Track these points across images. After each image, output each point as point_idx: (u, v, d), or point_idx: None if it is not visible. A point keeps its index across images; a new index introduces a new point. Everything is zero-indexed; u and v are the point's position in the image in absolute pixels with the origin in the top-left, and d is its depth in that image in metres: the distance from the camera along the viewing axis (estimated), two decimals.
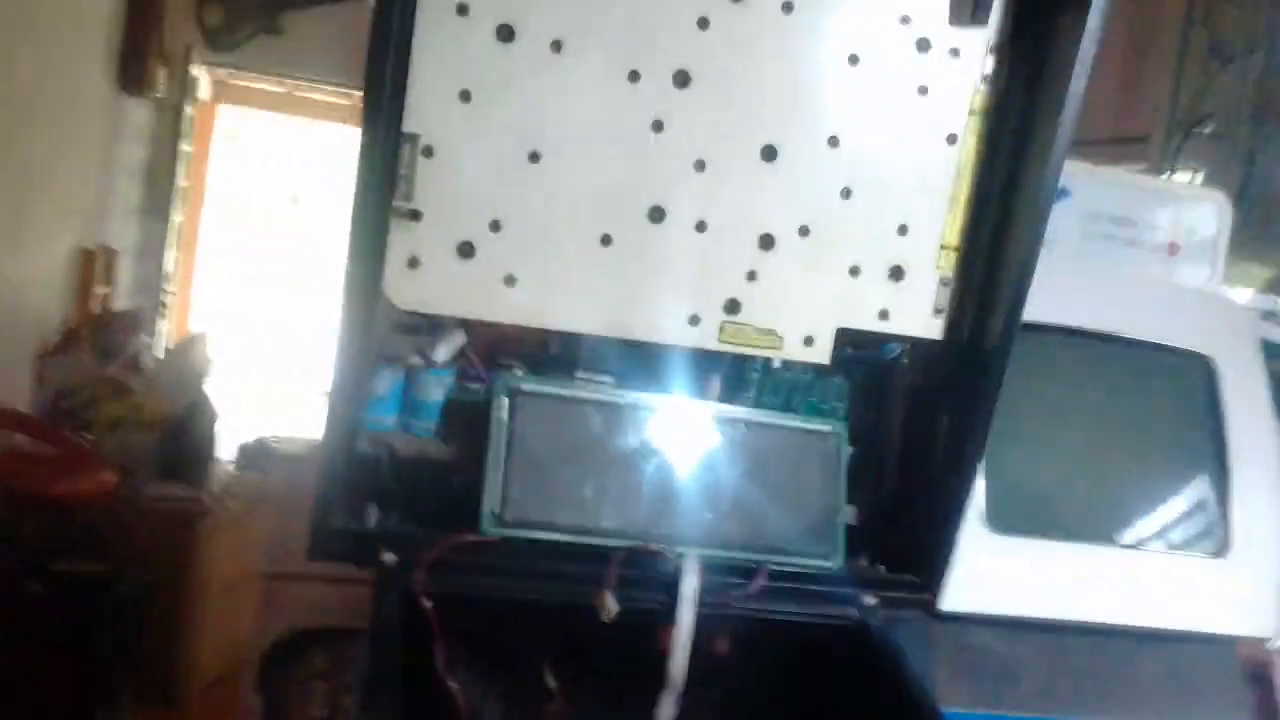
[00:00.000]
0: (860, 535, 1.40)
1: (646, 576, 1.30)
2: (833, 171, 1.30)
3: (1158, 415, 1.79)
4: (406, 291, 1.25)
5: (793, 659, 1.34)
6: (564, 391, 1.35)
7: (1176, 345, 1.73)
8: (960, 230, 1.34)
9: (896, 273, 1.34)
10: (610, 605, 1.26)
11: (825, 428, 1.43)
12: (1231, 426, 1.74)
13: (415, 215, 1.23)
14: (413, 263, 1.24)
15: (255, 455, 3.19)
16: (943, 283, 1.35)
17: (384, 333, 1.33)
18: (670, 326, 1.32)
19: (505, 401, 1.31)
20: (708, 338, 1.33)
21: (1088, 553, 1.59)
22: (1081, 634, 1.61)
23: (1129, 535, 1.69)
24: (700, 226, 1.29)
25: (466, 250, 1.25)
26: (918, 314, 1.36)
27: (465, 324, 1.33)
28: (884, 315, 1.35)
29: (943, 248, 1.34)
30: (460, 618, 1.25)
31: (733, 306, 1.32)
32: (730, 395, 1.44)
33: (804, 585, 1.35)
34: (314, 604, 1.60)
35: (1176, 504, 1.73)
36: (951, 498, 1.34)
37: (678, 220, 1.28)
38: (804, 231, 1.31)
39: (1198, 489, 1.74)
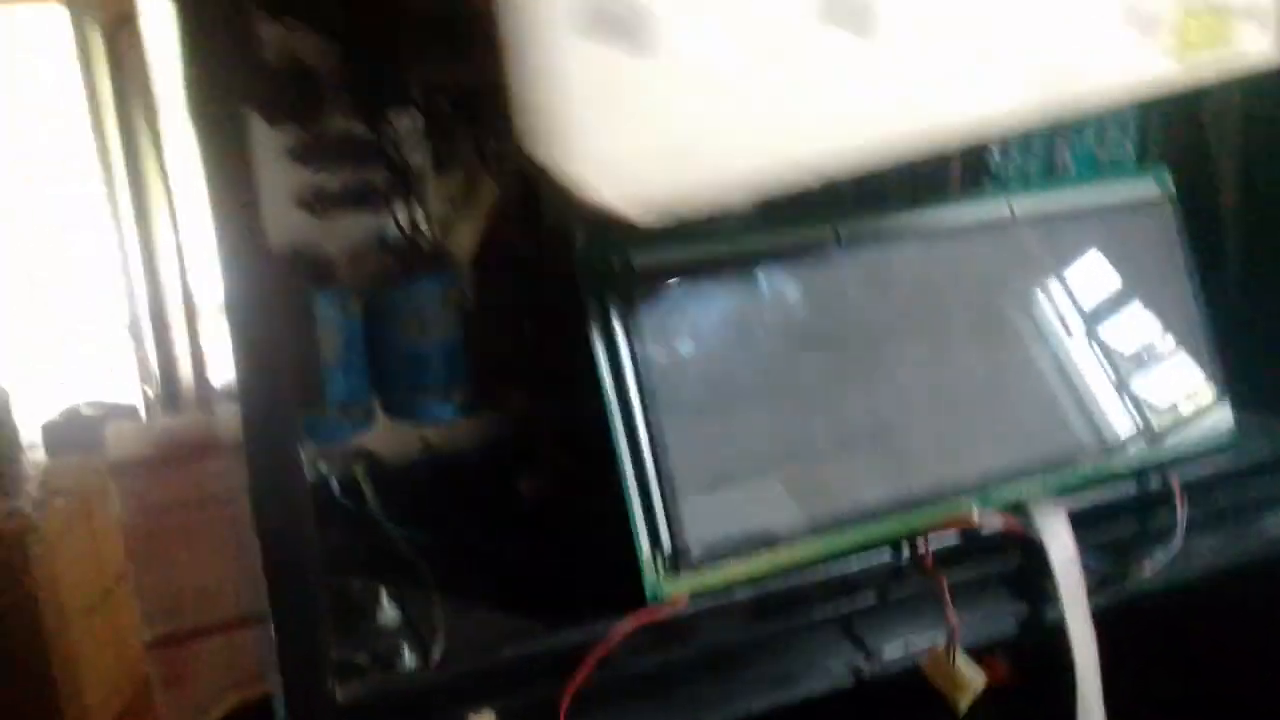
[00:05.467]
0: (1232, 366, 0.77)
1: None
2: None
3: None
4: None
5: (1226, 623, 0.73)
6: (722, 251, 0.63)
7: None
8: None
9: None
10: (962, 672, 0.60)
11: (1145, 191, 0.77)
12: None
13: None
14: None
15: (69, 433, 2.34)
16: None
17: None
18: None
19: (617, 300, 0.59)
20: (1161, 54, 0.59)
21: None
22: None
23: None
24: None
25: None
26: None
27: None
28: None
29: None
30: None
31: None
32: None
33: (1211, 494, 0.71)
34: (238, 661, 0.92)
35: None
36: None
37: None
38: None
39: None
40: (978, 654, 0.63)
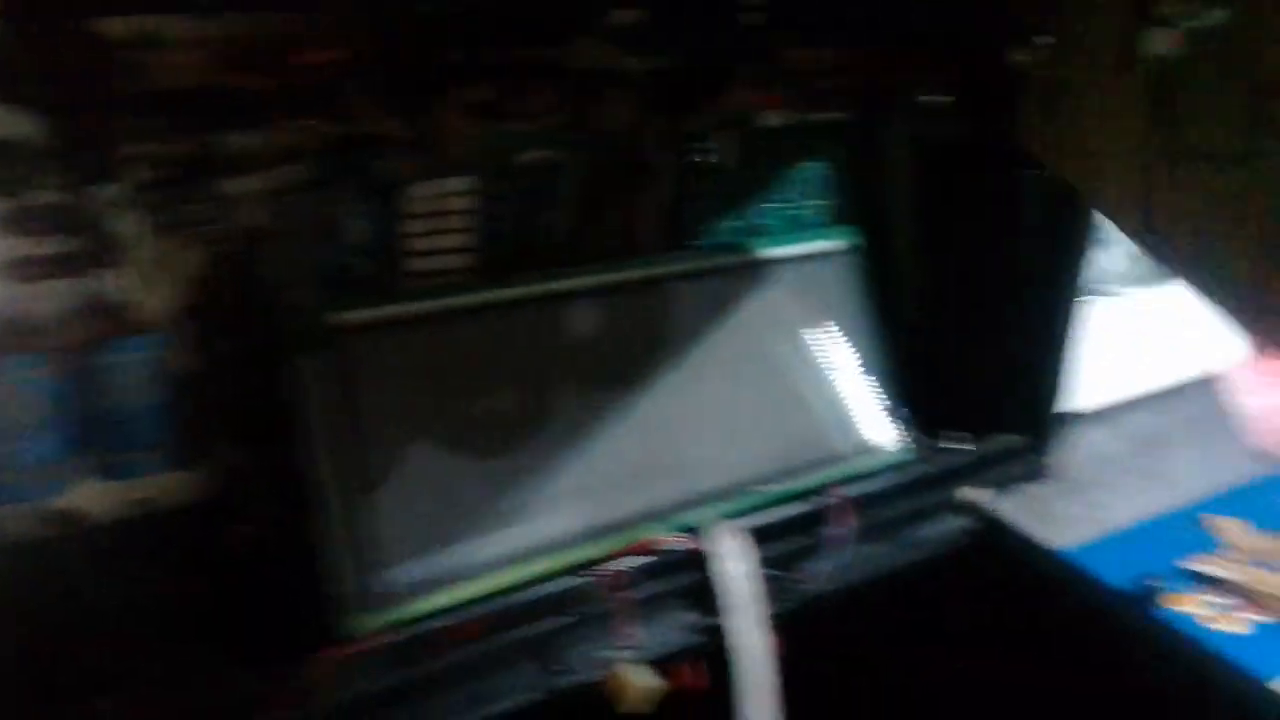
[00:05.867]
0: (905, 395, 0.87)
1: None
2: None
3: None
4: None
5: (891, 616, 0.83)
6: (429, 308, 0.69)
7: None
8: None
9: None
10: (638, 680, 0.67)
11: (833, 245, 0.86)
12: None
13: None
14: None
15: None
16: None
17: None
18: None
19: (322, 356, 0.64)
20: None
21: None
22: None
23: None
24: None
25: None
26: None
27: None
28: None
29: None
30: None
31: None
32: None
33: (879, 507, 0.81)
34: None
35: None
36: (1053, 308, 0.84)
37: None
38: None
39: None
40: (668, 663, 0.71)
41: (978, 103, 0.82)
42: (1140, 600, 0.84)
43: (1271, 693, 0.69)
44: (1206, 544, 1.06)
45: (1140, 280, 1.24)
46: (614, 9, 0.76)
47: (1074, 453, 1.14)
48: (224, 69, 0.66)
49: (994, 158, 0.82)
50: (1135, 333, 1.21)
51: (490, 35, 0.72)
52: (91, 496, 0.65)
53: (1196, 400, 1.31)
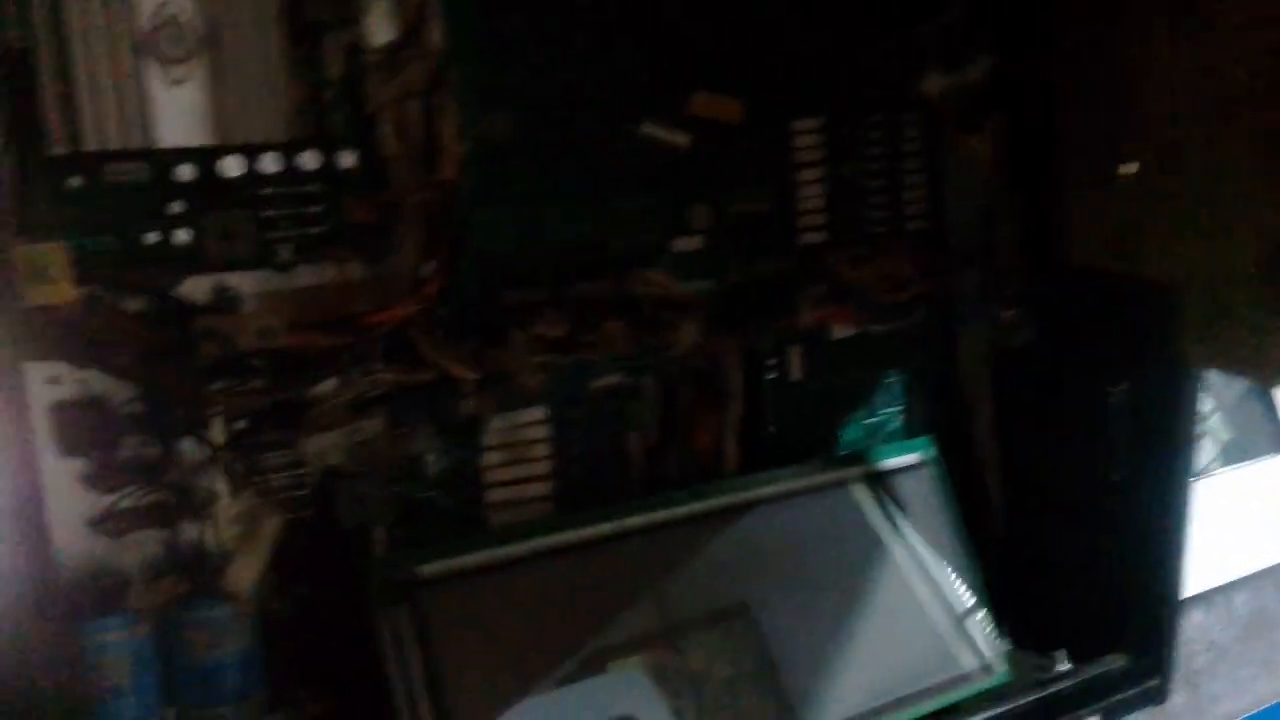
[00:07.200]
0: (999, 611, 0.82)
1: None
2: None
3: None
4: None
5: None
6: (508, 554, 0.69)
7: None
8: None
9: None
10: None
11: (913, 456, 0.84)
12: None
13: None
14: None
15: None
16: None
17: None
18: None
19: (406, 608, 0.64)
20: None
21: None
22: None
23: None
24: None
25: None
26: None
27: None
28: None
29: None
30: None
31: None
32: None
33: None
34: None
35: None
36: (1150, 511, 0.79)
37: None
38: None
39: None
40: None
41: (1047, 308, 0.82)
42: None
43: None
44: None
45: (1241, 455, 1.19)
46: (676, 238, 0.78)
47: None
48: (297, 325, 0.68)
49: (1072, 364, 0.81)
50: (1239, 509, 1.15)
51: (556, 273, 0.75)
52: None
53: None
